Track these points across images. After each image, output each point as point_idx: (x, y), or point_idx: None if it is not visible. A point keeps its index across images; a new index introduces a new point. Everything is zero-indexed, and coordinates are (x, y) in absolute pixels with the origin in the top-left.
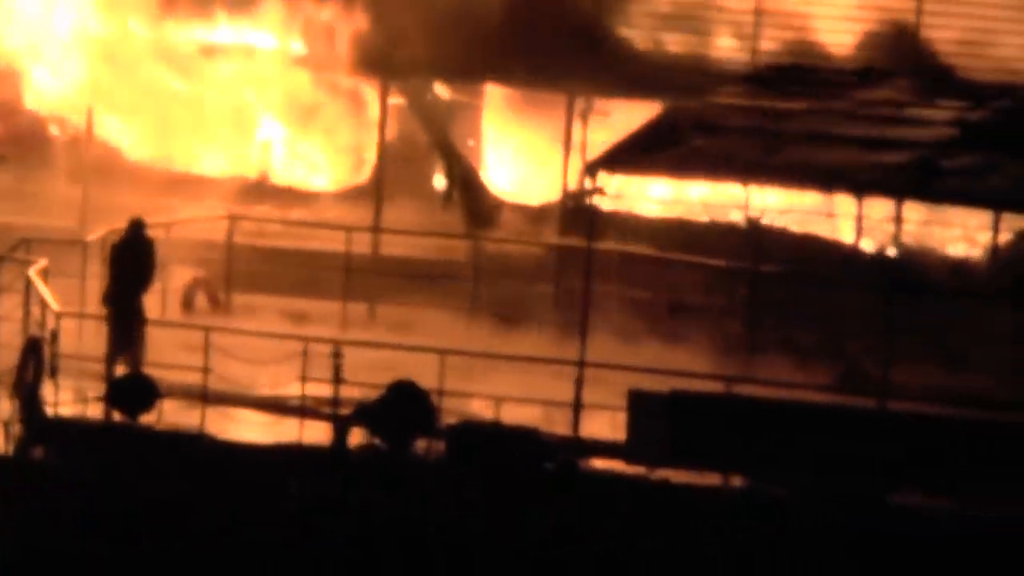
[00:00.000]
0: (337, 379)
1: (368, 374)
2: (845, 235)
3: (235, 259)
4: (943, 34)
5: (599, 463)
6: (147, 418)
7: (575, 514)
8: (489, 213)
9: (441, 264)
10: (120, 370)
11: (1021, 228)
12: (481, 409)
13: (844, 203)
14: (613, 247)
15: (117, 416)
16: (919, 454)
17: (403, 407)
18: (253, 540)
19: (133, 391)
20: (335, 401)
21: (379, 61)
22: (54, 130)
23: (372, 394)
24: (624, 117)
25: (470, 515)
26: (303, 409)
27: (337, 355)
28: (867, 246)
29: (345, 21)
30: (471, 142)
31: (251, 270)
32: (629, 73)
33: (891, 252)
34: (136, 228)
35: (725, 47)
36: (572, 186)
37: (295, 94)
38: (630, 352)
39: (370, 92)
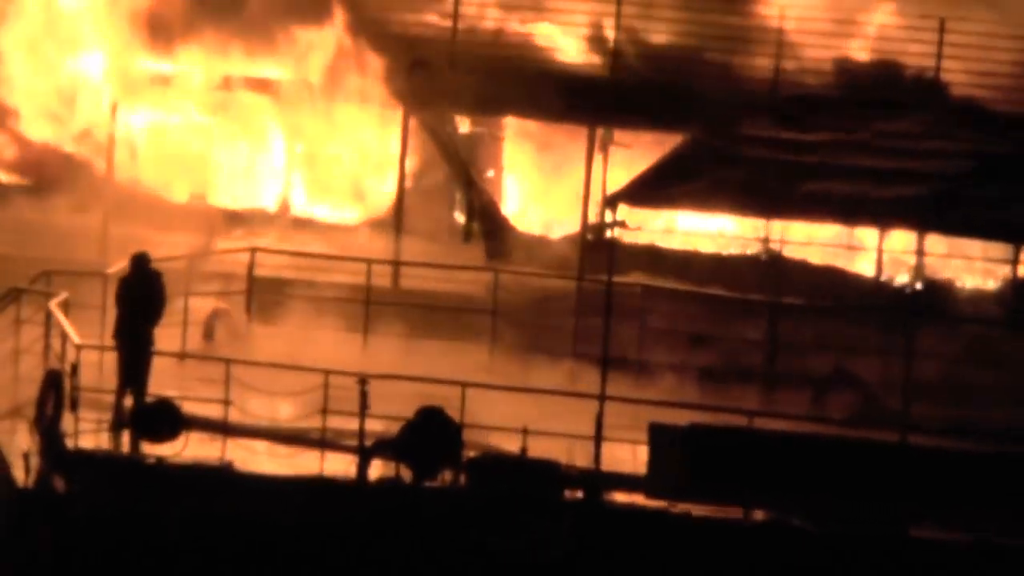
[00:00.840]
0: (363, 408)
1: (388, 406)
2: (864, 267)
3: (256, 290)
4: (961, 65)
5: (620, 496)
6: (168, 450)
7: (596, 546)
8: (509, 246)
9: (461, 297)
10: (127, 403)
11: None
12: (502, 441)
13: (864, 235)
14: (634, 280)
15: (138, 445)
16: (939, 488)
17: (431, 433)
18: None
19: (158, 418)
20: (360, 433)
21: (401, 93)
22: (75, 162)
23: (393, 426)
24: (646, 150)
25: (490, 546)
26: (324, 441)
27: (363, 382)
28: (888, 278)
29: (367, 53)
30: (491, 172)
31: (272, 301)
32: (649, 105)
33: (911, 283)
34: (140, 262)
35: (746, 78)
36: (592, 219)
37: (316, 127)
38: (650, 385)
39: (392, 124)
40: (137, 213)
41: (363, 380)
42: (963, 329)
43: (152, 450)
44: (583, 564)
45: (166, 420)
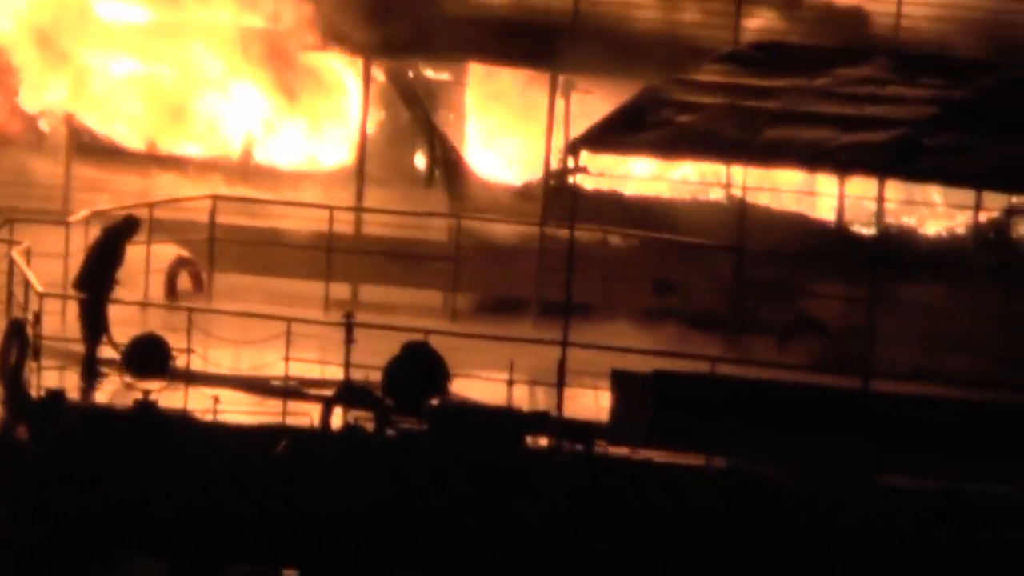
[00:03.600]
0: (349, 344)
1: (351, 355)
2: (826, 213)
3: (218, 239)
4: (924, 10)
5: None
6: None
7: (557, 493)
8: (471, 193)
9: (423, 244)
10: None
11: (1004, 206)
12: (464, 389)
13: (825, 182)
14: (596, 226)
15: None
16: (904, 435)
17: (417, 368)
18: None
19: (147, 353)
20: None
21: (362, 40)
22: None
23: (356, 374)
24: (608, 96)
25: (451, 494)
26: (287, 390)
27: (349, 316)
28: (849, 224)
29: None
30: (452, 116)
31: (234, 251)
32: (612, 51)
33: (873, 230)
34: (132, 226)
35: (707, 24)
36: (554, 165)
37: (277, 73)
38: (614, 332)
39: (354, 71)
40: (99, 161)
41: (348, 315)
42: (926, 275)
43: (142, 386)
44: (546, 511)
45: (156, 356)
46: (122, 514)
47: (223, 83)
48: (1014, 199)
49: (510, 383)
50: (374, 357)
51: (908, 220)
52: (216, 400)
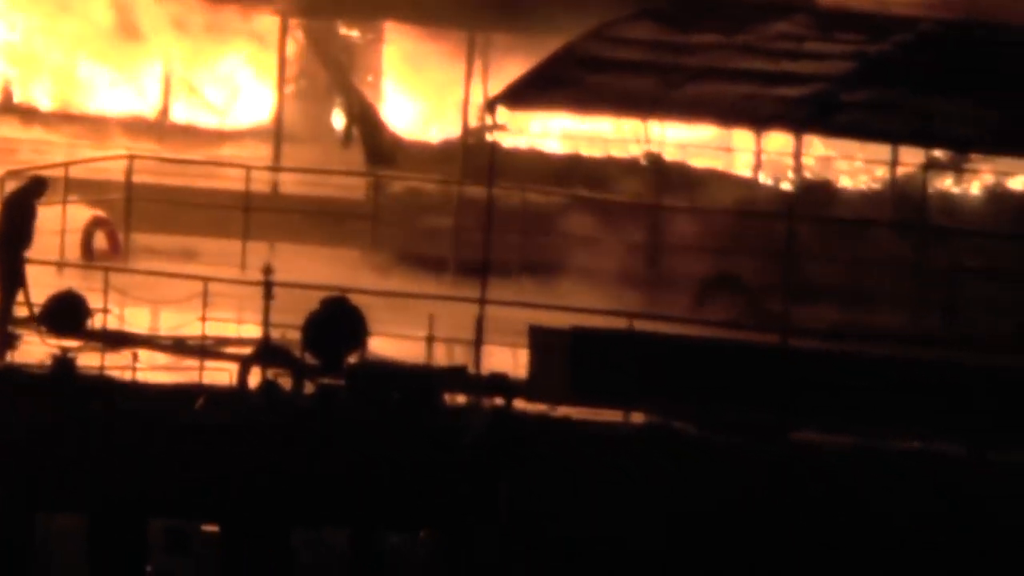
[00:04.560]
0: (268, 299)
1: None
2: (744, 169)
3: (134, 199)
4: None
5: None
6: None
7: (478, 452)
8: (389, 151)
9: (341, 202)
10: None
11: (922, 162)
12: (381, 347)
13: (743, 137)
14: (514, 183)
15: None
16: (821, 391)
17: (337, 322)
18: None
19: (65, 310)
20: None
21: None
22: None
23: (274, 333)
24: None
25: (368, 451)
26: (204, 349)
27: (268, 271)
28: (767, 180)
29: None
30: (370, 78)
31: (151, 210)
32: (528, 8)
33: (791, 186)
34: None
35: None
36: (472, 123)
37: (194, 32)
38: (532, 289)
39: (270, 30)
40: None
41: (267, 269)
42: (844, 231)
43: (60, 344)
44: (463, 466)
45: (73, 313)
46: (42, 472)
47: (140, 42)
48: (932, 154)
49: (429, 340)
50: (292, 315)
51: (826, 176)
52: (134, 359)
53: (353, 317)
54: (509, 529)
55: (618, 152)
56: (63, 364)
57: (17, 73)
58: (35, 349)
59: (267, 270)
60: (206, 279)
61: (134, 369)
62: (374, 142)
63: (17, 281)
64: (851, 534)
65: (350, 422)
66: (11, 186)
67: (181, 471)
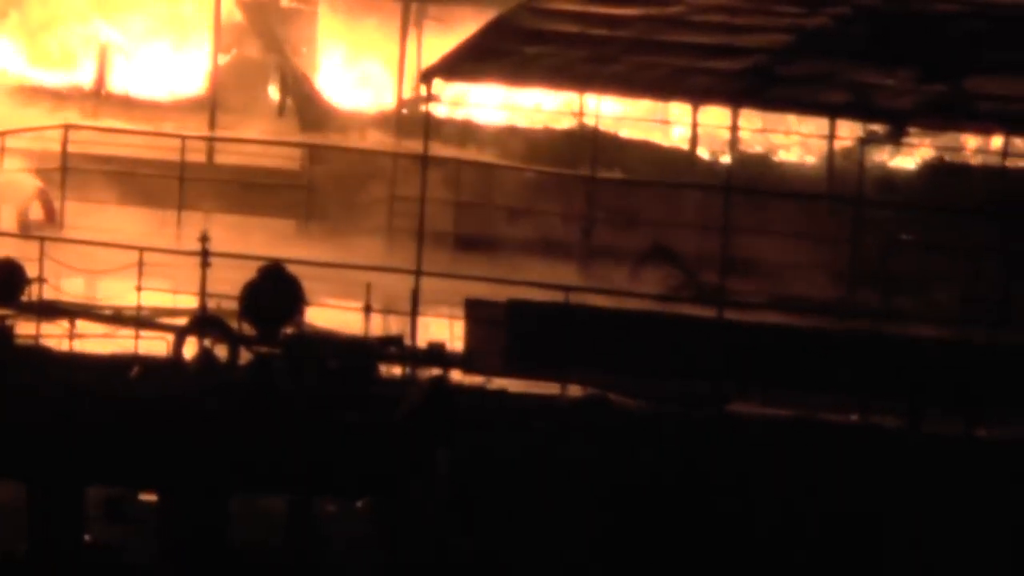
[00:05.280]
0: (204, 265)
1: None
2: (680, 142)
3: (71, 169)
4: None
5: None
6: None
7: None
8: (323, 121)
9: (276, 172)
10: None
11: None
12: (317, 319)
13: (679, 110)
14: (449, 154)
15: None
16: (757, 364)
17: (274, 291)
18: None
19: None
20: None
21: None
22: None
23: (209, 303)
24: (461, 24)
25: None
26: (140, 319)
27: (204, 239)
28: (703, 153)
29: None
30: (305, 49)
31: (87, 180)
32: None
33: (727, 159)
34: None
35: None
36: (408, 94)
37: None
38: (468, 261)
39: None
40: None
41: (204, 237)
42: (781, 204)
43: None
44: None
45: (10, 281)
46: None
47: (78, 12)
48: (869, 127)
49: (367, 310)
50: (228, 286)
51: (762, 149)
52: (70, 328)
53: (290, 286)
54: (446, 498)
55: (553, 124)
56: (0, 332)
57: None
58: None
59: (204, 238)
60: (142, 249)
61: (71, 339)
62: (309, 113)
63: None
64: (787, 504)
65: (286, 391)
66: None
67: (118, 440)
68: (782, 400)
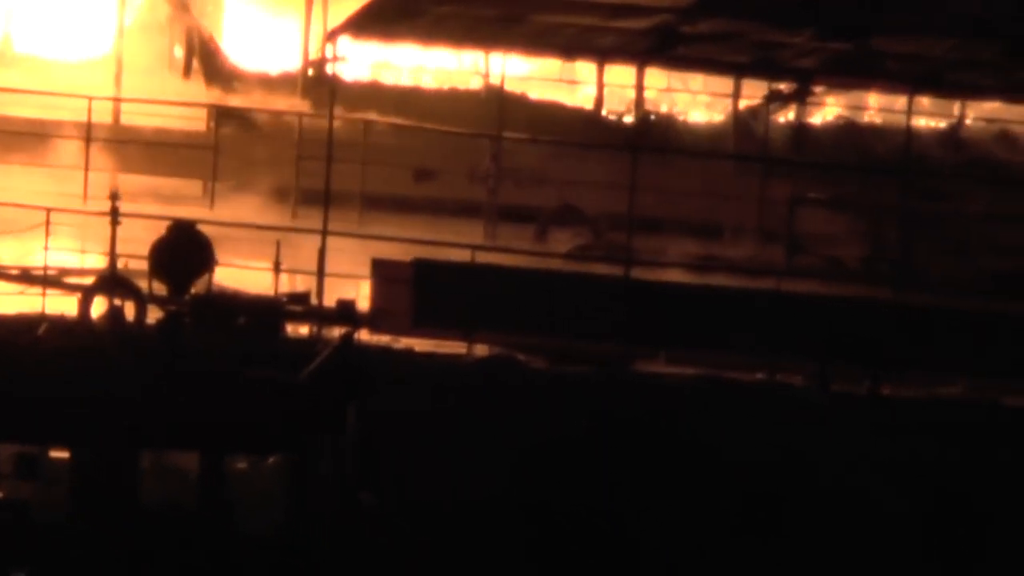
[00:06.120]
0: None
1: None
2: (587, 102)
3: None
4: None
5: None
6: None
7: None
8: (229, 81)
9: (182, 133)
10: None
11: (765, 93)
12: (225, 279)
13: (585, 70)
14: (355, 115)
15: None
16: (665, 321)
17: (183, 248)
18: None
19: None
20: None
21: None
22: None
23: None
24: None
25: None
26: (46, 279)
27: (115, 197)
28: (609, 112)
29: None
30: (210, 8)
31: None
32: None
33: (633, 118)
34: None
35: None
36: (314, 54)
37: None
38: (375, 221)
39: None
40: None
41: (114, 195)
42: (687, 163)
43: None
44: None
45: None
46: None
47: None
48: (775, 86)
49: (276, 269)
50: (134, 245)
51: (668, 108)
52: None
53: (200, 244)
54: (354, 456)
55: (460, 84)
56: None
57: None
58: None
59: (113, 196)
60: (48, 209)
61: None
62: (214, 73)
63: None
64: (694, 465)
65: (195, 348)
66: None
67: (27, 397)
68: (689, 359)
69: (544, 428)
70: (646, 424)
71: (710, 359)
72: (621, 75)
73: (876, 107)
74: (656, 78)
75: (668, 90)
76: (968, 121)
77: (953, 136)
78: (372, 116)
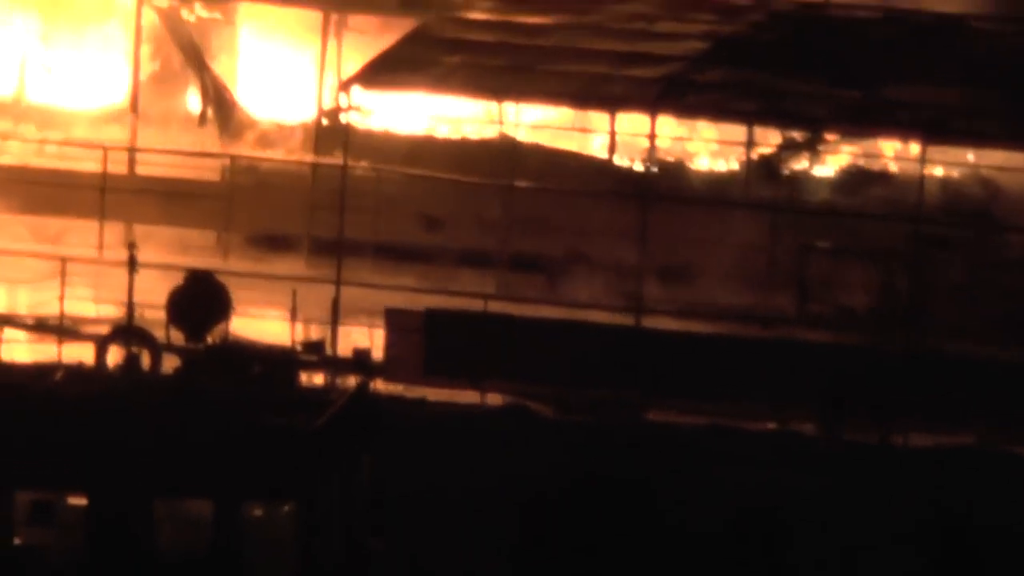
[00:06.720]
0: (132, 273)
1: (126, 293)
2: (600, 151)
3: None
4: None
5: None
6: None
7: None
8: (243, 132)
9: (197, 183)
10: None
11: (776, 142)
12: (239, 328)
13: (597, 118)
14: (369, 164)
15: None
16: (675, 369)
17: (201, 296)
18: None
19: None
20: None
21: None
22: None
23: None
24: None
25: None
26: (62, 328)
27: (132, 246)
28: (620, 161)
29: None
30: (225, 58)
31: (7, 190)
32: None
33: (644, 166)
34: None
35: None
36: (328, 104)
37: (50, 10)
38: (387, 270)
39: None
40: None
41: (132, 245)
42: (698, 211)
43: None
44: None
45: None
46: None
47: None
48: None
49: (292, 317)
50: (149, 295)
51: (680, 156)
52: None
53: (217, 292)
54: (366, 504)
55: (472, 134)
56: None
57: None
58: None
59: (131, 245)
60: (64, 259)
61: None
62: (229, 123)
63: None
64: (704, 514)
65: (211, 396)
66: None
67: (46, 444)
68: (699, 408)
69: (554, 477)
70: (656, 473)
71: (721, 408)
72: (634, 123)
73: (888, 155)
74: (669, 126)
75: (680, 139)
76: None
77: (963, 184)
78: (384, 165)
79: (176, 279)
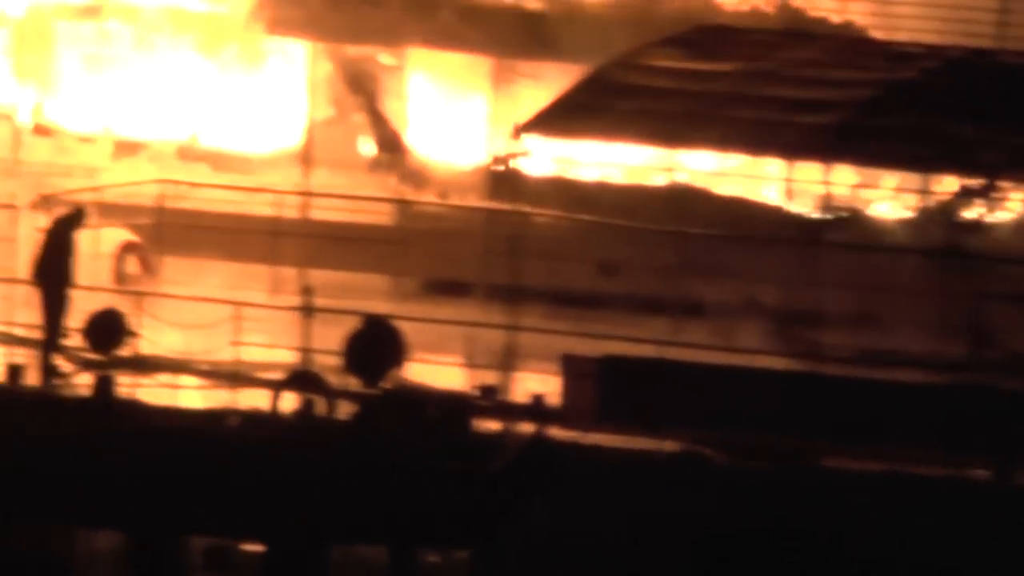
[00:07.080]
0: (308, 318)
1: (298, 338)
2: (772, 198)
3: (166, 224)
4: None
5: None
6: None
7: (512, 478)
8: (415, 176)
9: (370, 228)
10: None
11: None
12: (413, 373)
13: (769, 164)
14: (541, 210)
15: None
16: (854, 418)
17: (377, 341)
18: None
19: (106, 326)
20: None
21: (307, 23)
22: None
23: (304, 357)
24: (551, 81)
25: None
26: (237, 374)
27: (308, 292)
28: (795, 208)
29: None
30: (397, 104)
31: (182, 235)
32: (553, 35)
33: (818, 213)
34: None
35: (652, 7)
36: (500, 150)
37: (224, 58)
38: (561, 315)
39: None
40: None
41: (307, 290)
42: (876, 258)
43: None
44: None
45: (114, 328)
46: (81, 491)
47: (172, 68)
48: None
49: (470, 362)
50: (322, 341)
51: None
52: (171, 384)
53: (393, 337)
54: (542, 550)
55: (646, 180)
56: (103, 384)
57: (43, 94)
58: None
59: (307, 291)
60: (238, 303)
61: (171, 393)
62: (402, 168)
63: (60, 313)
64: (881, 559)
65: (387, 441)
66: (44, 210)
67: (220, 489)
68: (875, 454)
69: (728, 523)
70: (833, 520)
71: (895, 453)
72: (805, 169)
73: None
74: (843, 174)
75: (856, 186)
76: None
77: None
78: (557, 211)
79: (346, 325)
